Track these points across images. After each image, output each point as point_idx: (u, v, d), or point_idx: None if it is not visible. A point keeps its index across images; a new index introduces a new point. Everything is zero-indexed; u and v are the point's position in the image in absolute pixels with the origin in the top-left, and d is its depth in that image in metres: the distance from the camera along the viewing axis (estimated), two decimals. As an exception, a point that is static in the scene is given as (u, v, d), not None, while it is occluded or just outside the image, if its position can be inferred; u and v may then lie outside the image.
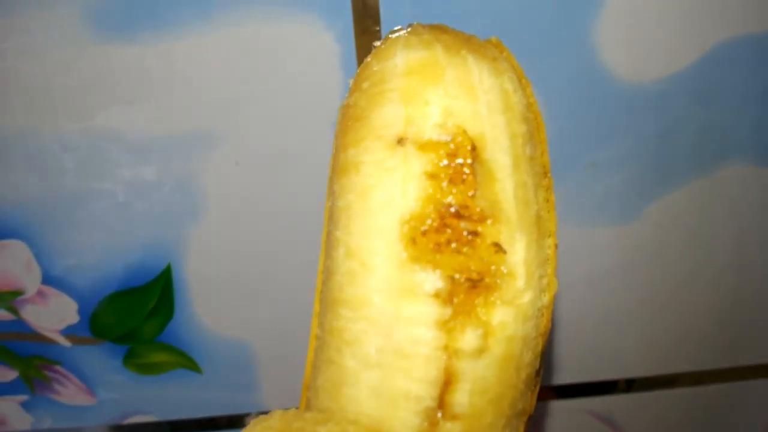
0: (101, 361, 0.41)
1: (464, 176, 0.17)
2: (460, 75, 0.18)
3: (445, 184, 0.17)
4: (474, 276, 0.17)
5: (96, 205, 0.37)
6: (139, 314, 0.40)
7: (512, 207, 0.18)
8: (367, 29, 0.34)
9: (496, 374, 0.17)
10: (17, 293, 0.39)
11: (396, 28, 0.20)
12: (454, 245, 0.17)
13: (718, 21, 0.35)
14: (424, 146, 0.17)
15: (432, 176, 0.17)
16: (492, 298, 0.17)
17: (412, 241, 0.17)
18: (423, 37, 0.19)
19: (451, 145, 0.17)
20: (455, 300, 0.17)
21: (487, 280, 0.17)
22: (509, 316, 0.17)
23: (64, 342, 0.41)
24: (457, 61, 0.18)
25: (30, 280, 0.39)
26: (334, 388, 0.18)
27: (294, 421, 0.18)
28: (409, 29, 0.20)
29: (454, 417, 0.17)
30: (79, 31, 0.33)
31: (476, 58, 0.18)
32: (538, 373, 0.19)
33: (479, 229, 0.17)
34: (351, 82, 0.20)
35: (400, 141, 0.18)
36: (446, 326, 0.17)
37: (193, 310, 0.40)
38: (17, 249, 0.38)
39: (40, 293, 0.39)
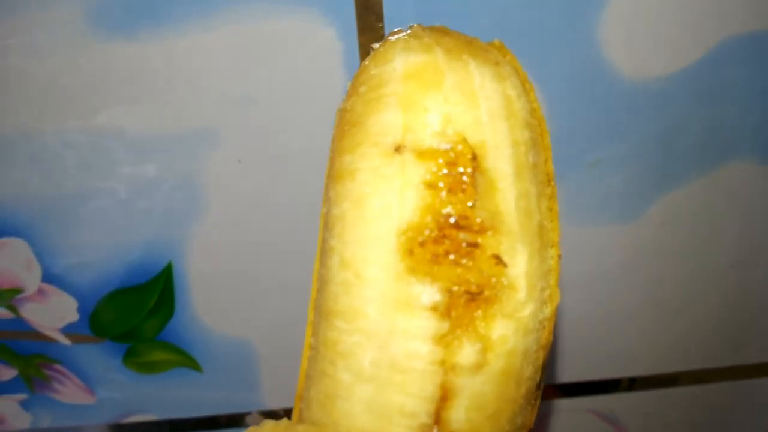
0: (101, 359, 0.41)
1: (464, 186, 0.17)
2: (461, 80, 0.17)
3: (444, 193, 0.17)
4: (473, 289, 0.16)
5: (96, 203, 0.37)
6: (139, 313, 0.40)
7: (514, 218, 0.17)
8: (369, 26, 0.34)
9: (495, 390, 0.17)
10: (17, 291, 0.39)
11: (395, 30, 0.19)
12: (452, 257, 0.16)
13: (722, 19, 0.35)
14: (423, 154, 0.17)
15: (431, 185, 0.17)
16: (492, 312, 0.17)
17: (409, 252, 0.17)
18: (423, 40, 0.18)
19: (451, 154, 0.17)
20: (453, 313, 0.16)
21: (486, 292, 0.16)
22: (509, 330, 0.17)
23: (64, 340, 0.41)
24: (457, 66, 0.18)
25: (30, 279, 0.39)
26: (328, 401, 0.18)
27: (286, 434, 0.17)
28: (408, 31, 0.19)
29: (451, 433, 0.17)
30: (81, 29, 0.33)
31: (478, 62, 0.18)
32: (538, 386, 0.19)
33: (479, 240, 0.17)
34: (348, 85, 0.20)
35: (398, 148, 0.17)
36: (443, 340, 0.16)
37: (193, 308, 0.40)
38: (17, 247, 0.38)
39: (40, 291, 0.39)
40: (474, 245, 0.17)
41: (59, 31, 0.33)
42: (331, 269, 0.18)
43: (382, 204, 0.17)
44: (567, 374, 0.44)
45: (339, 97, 0.35)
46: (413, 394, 0.17)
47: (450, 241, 0.17)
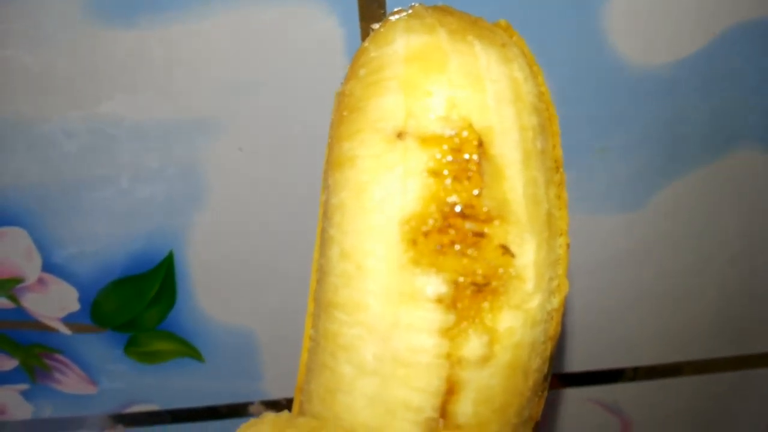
0: (102, 349, 0.41)
1: (470, 173, 0.16)
2: (466, 63, 0.17)
3: (448, 181, 0.16)
4: (479, 280, 0.16)
5: (97, 192, 0.37)
6: (140, 302, 0.40)
7: (521, 206, 0.16)
8: (371, 12, 0.33)
9: (502, 383, 0.16)
10: (17, 281, 0.39)
11: (396, 9, 0.18)
12: (458, 247, 0.16)
13: (728, 5, 0.34)
14: (427, 141, 0.16)
15: (435, 173, 0.16)
16: (499, 303, 0.16)
17: (413, 242, 0.16)
18: (425, 20, 0.17)
19: (456, 140, 0.16)
20: (459, 305, 0.16)
21: (493, 283, 0.16)
22: (517, 322, 0.16)
23: (65, 330, 0.40)
24: (462, 48, 0.17)
25: (30, 268, 0.39)
26: (328, 395, 0.17)
27: (286, 428, 0.17)
28: (410, 11, 0.18)
29: (456, 428, 0.16)
30: (79, 16, 0.32)
31: (483, 44, 0.17)
32: (546, 378, 0.18)
33: (485, 229, 0.16)
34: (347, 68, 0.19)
35: (400, 135, 0.16)
36: (449, 333, 0.16)
37: (195, 297, 0.40)
38: (17, 236, 0.38)
39: (40, 281, 0.39)
40: (480, 235, 0.16)
41: (58, 18, 0.32)
42: (330, 260, 0.17)
43: (384, 193, 0.16)
44: (570, 364, 0.44)
45: (340, 85, 0.35)
46: (418, 389, 0.16)
47: (455, 231, 0.16)
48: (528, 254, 0.16)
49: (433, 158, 0.16)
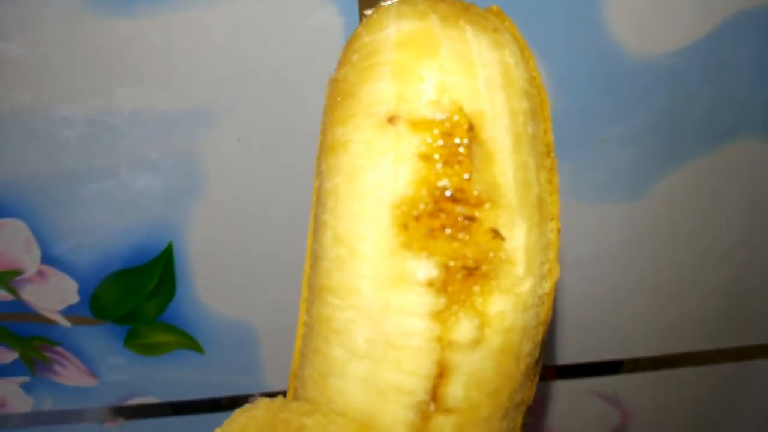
0: (102, 341, 0.41)
1: (460, 157, 0.16)
2: (458, 48, 0.17)
3: (439, 165, 0.16)
4: (470, 263, 0.16)
5: (96, 184, 0.37)
6: (139, 294, 0.40)
7: (512, 190, 0.16)
8: (370, 1, 0.33)
9: (494, 366, 0.16)
10: (16, 273, 0.39)
11: (390, -7, 0.18)
12: (449, 231, 0.16)
13: (728, -5, 0.34)
14: (418, 125, 0.16)
15: (425, 157, 0.16)
16: (489, 287, 0.16)
17: (404, 226, 0.16)
18: (417, 6, 0.18)
19: (447, 124, 0.16)
20: (450, 289, 0.16)
21: (484, 267, 0.16)
22: (508, 305, 0.16)
23: (65, 322, 0.41)
24: (454, 33, 0.17)
25: (29, 260, 0.39)
26: (321, 379, 0.17)
27: (280, 412, 0.17)
28: None
29: (447, 410, 0.16)
30: (78, 6, 0.32)
31: (475, 29, 0.17)
32: (537, 362, 0.18)
33: (476, 213, 0.16)
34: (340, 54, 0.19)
35: (392, 119, 0.16)
36: (440, 317, 0.16)
37: (194, 289, 0.40)
38: (16, 228, 0.38)
39: (39, 273, 0.39)
40: (471, 219, 0.16)
41: (57, 9, 0.32)
42: (324, 245, 0.17)
43: (376, 177, 0.16)
44: (570, 356, 0.44)
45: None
46: (410, 372, 0.16)
47: (446, 215, 0.16)
48: (518, 238, 0.16)
49: (424, 142, 0.16)
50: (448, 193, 0.16)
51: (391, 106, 0.17)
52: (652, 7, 0.34)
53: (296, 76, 0.35)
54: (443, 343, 0.16)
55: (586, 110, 0.36)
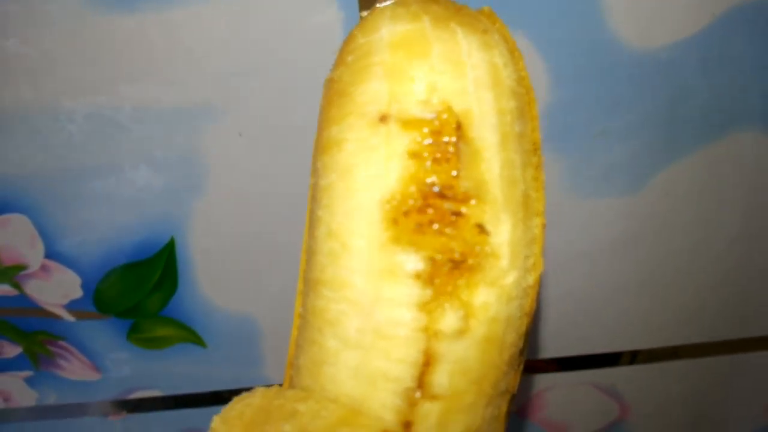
0: (105, 335, 0.42)
1: (448, 155, 0.17)
2: (448, 49, 0.17)
3: (428, 163, 0.17)
4: (456, 257, 0.17)
5: (99, 180, 0.37)
6: (142, 288, 0.40)
7: (498, 186, 0.17)
8: (370, 0, 0.33)
9: (478, 355, 0.17)
10: (20, 268, 0.39)
11: (385, -5, 0.19)
12: (436, 226, 0.17)
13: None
14: (408, 124, 0.17)
15: (415, 155, 0.17)
16: (475, 279, 0.17)
17: (394, 221, 0.17)
18: (410, 8, 0.18)
19: (436, 123, 0.17)
20: (436, 281, 0.17)
21: (470, 261, 0.17)
22: (492, 297, 0.17)
23: (68, 317, 0.41)
24: (445, 35, 0.18)
25: (33, 255, 0.39)
26: (315, 368, 0.18)
27: (275, 399, 0.18)
28: None
29: (433, 397, 0.17)
30: (80, 2, 0.32)
31: (466, 31, 0.18)
32: (522, 352, 0.19)
33: (463, 209, 0.17)
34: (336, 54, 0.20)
35: (383, 118, 0.17)
36: (427, 307, 0.17)
37: (196, 284, 0.40)
38: (20, 223, 0.38)
39: (43, 268, 0.39)
40: (458, 214, 0.17)
41: (59, 6, 0.33)
42: (318, 240, 0.18)
43: (368, 174, 0.17)
44: (568, 348, 0.44)
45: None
46: (397, 360, 0.17)
47: (434, 211, 0.17)
48: (503, 233, 0.17)
49: (413, 141, 0.17)
50: (436, 190, 0.17)
51: (383, 105, 0.17)
52: (651, 1, 0.34)
53: (297, 73, 0.35)
54: (429, 332, 0.17)
55: (585, 103, 0.37)
